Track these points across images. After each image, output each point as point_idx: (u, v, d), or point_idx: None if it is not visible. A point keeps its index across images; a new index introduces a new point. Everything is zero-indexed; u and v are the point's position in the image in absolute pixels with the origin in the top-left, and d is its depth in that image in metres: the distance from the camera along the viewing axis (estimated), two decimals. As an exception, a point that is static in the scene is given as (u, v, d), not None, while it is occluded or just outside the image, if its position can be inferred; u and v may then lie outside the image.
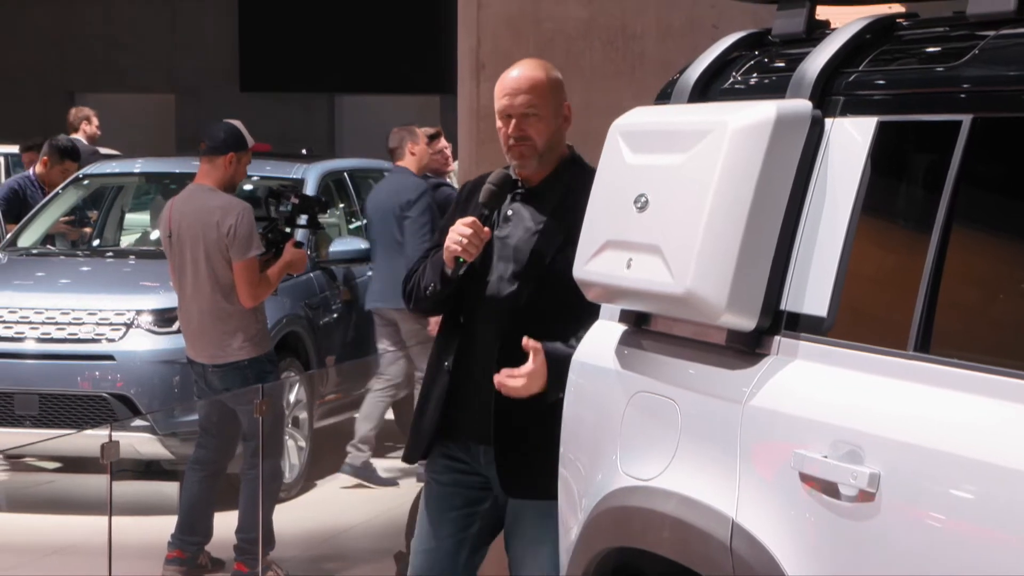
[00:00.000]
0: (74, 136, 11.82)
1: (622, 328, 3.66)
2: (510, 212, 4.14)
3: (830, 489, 2.89)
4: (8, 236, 9.08)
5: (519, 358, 3.97)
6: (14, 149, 13.33)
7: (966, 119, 2.82)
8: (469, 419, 4.15)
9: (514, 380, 3.95)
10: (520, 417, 4.05)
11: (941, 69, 2.98)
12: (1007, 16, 2.88)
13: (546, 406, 3.95)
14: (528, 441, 4.07)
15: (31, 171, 10.27)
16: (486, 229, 4.04)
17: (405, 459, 4.41)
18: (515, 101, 4.09)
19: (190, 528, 6.62)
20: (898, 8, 3.81)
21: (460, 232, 4.02)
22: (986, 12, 2.93)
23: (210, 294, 6.48)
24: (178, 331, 7.71)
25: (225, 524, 6.66)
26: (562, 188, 4.12)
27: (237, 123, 6.74)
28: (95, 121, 12.18)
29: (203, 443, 6.71)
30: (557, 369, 3.87)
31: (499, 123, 4.12)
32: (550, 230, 4.09)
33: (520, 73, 4.12)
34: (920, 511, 2.73)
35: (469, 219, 4.03)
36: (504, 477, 4.10)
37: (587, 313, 3.77)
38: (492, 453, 4.11)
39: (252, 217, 6.51)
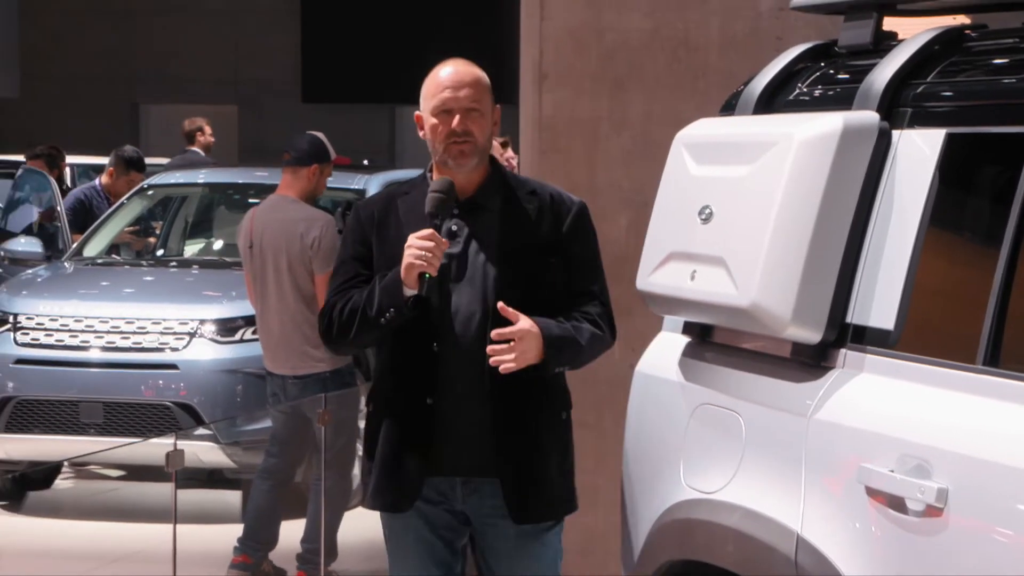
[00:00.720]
0: (189, 148, 11.96)
1: (685, 340, 3.65)
2: (454, 227, 3.75)
3: (897, 504, 2.87)
4: (74, 246, 9.17)
5: (509, 379, 3.65)
6: (82, 160, 13.48)
7: (1036, 131, 2.79)
8: (453, 453, 3.72)
9: (507, 353, 3.59)
10: (521, 442, 3.73)
11: (1011, 80, 2.96)
12: (1078, 27, 2.85)
13: (544, 423, 3.76)
14: (534, 466, 3.74)
15: (97, 181, 10.37)
16: (444, 240, 3.66)
17: (389, 508, 3.81)
18: (459, 94, 3.73)
19: (256, 535, 6.66)
20: (966, 19, 3.78)
21: (420, 246, 3.61)
22: (1057, 23, 2.90)
23: (293, 305, 6.49)
24: (240, 340, 7.76)
25: (292, 532, 6.69)
26: (499, 197, 3.78)
27: (320, 135, 6.76)
28: (208, 131, 12.32)
29: (273, 452, 6.74)
30: (550, 335, 3.64)
31: (433, 120, 3.74)
32: (509, 243, 3.74)
33: (459, 69, 3.78)
34: (988, 527, 2.70)
35: (426, 231, 3.63)
36: (515, 509, 3.72)
37: (573, 309, 3.75)
38: (473, 485, 3.74)
39: (335, 230, 6.52)
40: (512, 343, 3.60)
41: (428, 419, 3.71)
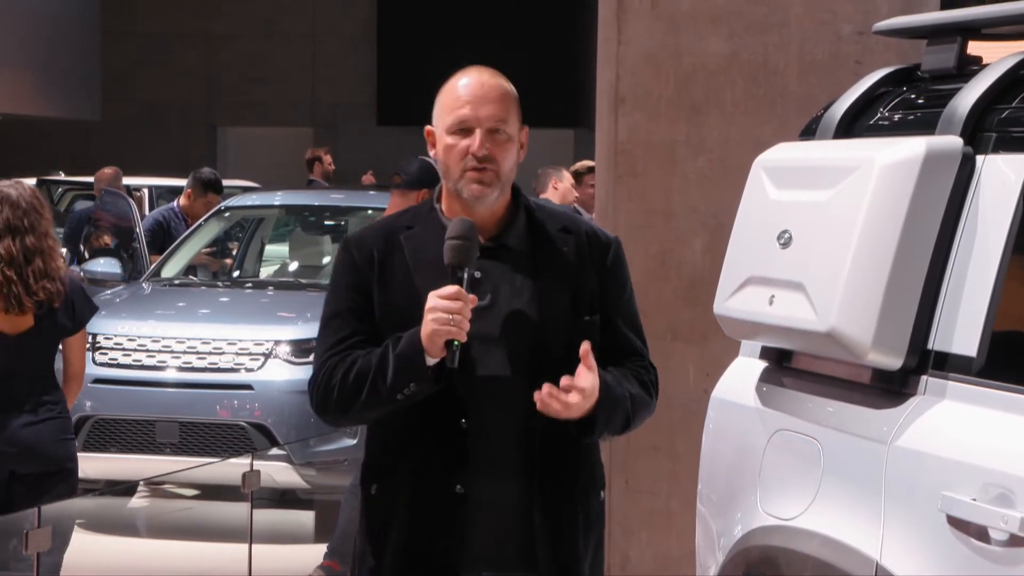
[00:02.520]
0: (311, 177, 12.14)
1: (763, 365, 3.62)
2: (478, 274, 3.09)
3: (979, 533, 2.83)
4: (152, 267, 9.27)
5: (552, 453, 3.12)
6: (160, 181, 13.64)
7: (1124, 156, 2.75)
8: (486, 546, 3.12)
9: (563, 398, 3.01)
10: (563, 535, 3.14)
11: (1098, 105, 2.92)
12: None
13: (586, 508, 3.17)
14: (570, 566, 3.17)
15: (175, 203, 10.49)
16: (472, 297, 3.01)
17: None
18: (481, 112, 3.09)
19: (345, 546, 6.68)
20: (1052, 43, 3.73)
21: (446, 308, 2.97)
22: None
23: None
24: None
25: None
26: (528, 235, 3.17)
27: (432, 160, 6.77)
28: (327, 159, 12.53)
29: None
30: (608, 394, 3.08)
31: (447, 139, 3.11)
32: (545, 292, 3.12)
33: (483, 79, 3.14)
34: (1073, 558, 2.66)
35: (452, 289, 2.99)
36: None
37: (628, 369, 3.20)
38: None
39: None
40: (572, 396, 3.01)
41: (458, 509, 3.07)
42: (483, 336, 3.07)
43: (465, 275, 3.03)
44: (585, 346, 3.02)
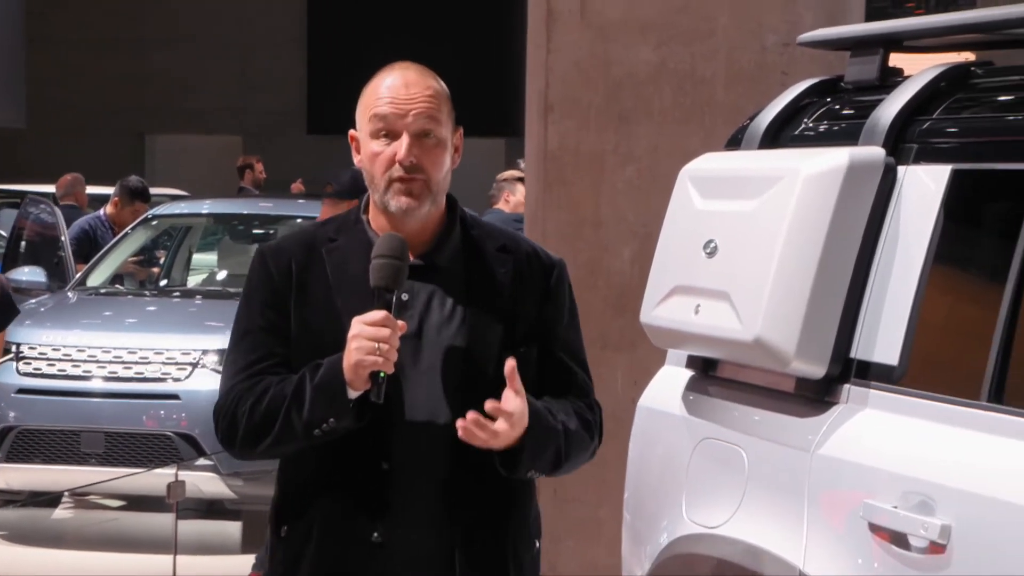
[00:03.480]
0: (242, 185, 12.05)
1: (689, 374, 3.64)
2: (405, 296, 2.75)
3: (900, 540, 2.85)
4: (78, 276, 9.18)
5: (479, 498, 2.79)
6: (87, 190, 13.50)
7: (1042, 167, 2.79)
8: None
9: (489, 426, 2.67)
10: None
11: (1017, 117, 2.96)
12: (1084, 64, 2.86)
13: (519, 559, 2.83)
14: None
15: (102, 212, 10.39)
16: (400, 323, 2.67)
17: None
18: (407, 111, 2.74)
19: None
20: (972, 56, 3.78)
21: (372, 335, 2.63)
22: (1063, 60, 2.91)
23: None
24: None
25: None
26: (462, 254, 2.83)
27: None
28: (258, 167, 12.43)
29: None
30: (538, 425, 2.73)
31: (371, 145, 2.77)
32: (478, 319, 2.78)
33: (409, 77, 2.78)
34: (991, 564, 2.69)
35: (379, 314, 2.64)
36: None
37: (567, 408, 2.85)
38: None
39: None
40: (498, 424, 2.68)
41: (374, 559, 2.75)
42: (408, 368, 2.73)
43: (394, 298, 2.69)
44: (510, 364, 2.67)
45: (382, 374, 2.66)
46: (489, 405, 2.66)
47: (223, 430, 2.79)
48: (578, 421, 2.84)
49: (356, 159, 2.82)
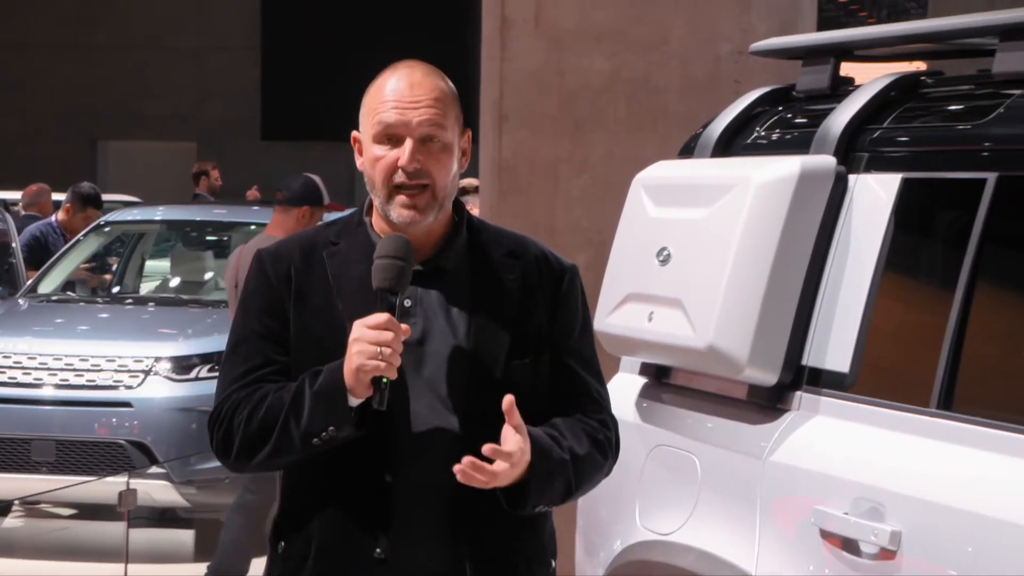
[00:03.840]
0: (197, 192, 11.96)
1: (642, 381, 3.65)
2: (408, 302, 2.62)
3: (851, 546, 2.87)
4: (29, 282, 9.10)
5: (489, 516, 2.61)
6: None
7: (991, 177, 2.82)
8: None
9: (487, 468, 2.50)
10: None
11: (966, 127, 2.99)
12: (1032, 75, 2.89)
13: (527, 572, 2.67)
14: None
15: (54, 218, 10.32)
16: (404, 327, 2.54)
17: None
18: (411, 117, 2.60)
19: (228, 568, 6.61)
20: (922, 66, 3.82)
21: (374, 339, 2.50)
22: (1011, 71, 2.94)
23: None
24: (195, 379, 7.71)
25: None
26: (468, 259, 2.69)
27: (317, 178, 6.74)
28: (214, 174, 12.33)
29: (252, 488, 6.69)
30: (541, 460, 2.57)
31: (374, 150, 2.63)
32: (485, 327, 2.64)
33: (415, 77, 2.64)
34: (941, 569, 2.71)
35: (382, 317, 2.51)
36: None
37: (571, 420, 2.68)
38: None
39: None
40: (498, 466, 2.51)
41: (375, 575, 2.61)
42: (411, 376, 2.59)
43: (397, 301, 2.55)
44: (508, 400, 2.51)
45: (385, 380, 2.51)
46: (487, 449, 2.49)
47: (218, 440, 2.64)
48: (589, 443, 2.65)
49: (358, 162, 2.67)
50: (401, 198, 2.60)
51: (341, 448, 2.57)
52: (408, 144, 2.59)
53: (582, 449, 2.64)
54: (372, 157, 2.63)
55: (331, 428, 2.54)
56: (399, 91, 2.62)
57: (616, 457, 2.73)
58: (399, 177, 2.60)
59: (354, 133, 2.70)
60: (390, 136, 2.61)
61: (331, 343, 2.59)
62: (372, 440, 2.58)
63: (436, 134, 2.61)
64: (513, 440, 2.52)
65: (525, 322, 2.66)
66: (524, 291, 2.68)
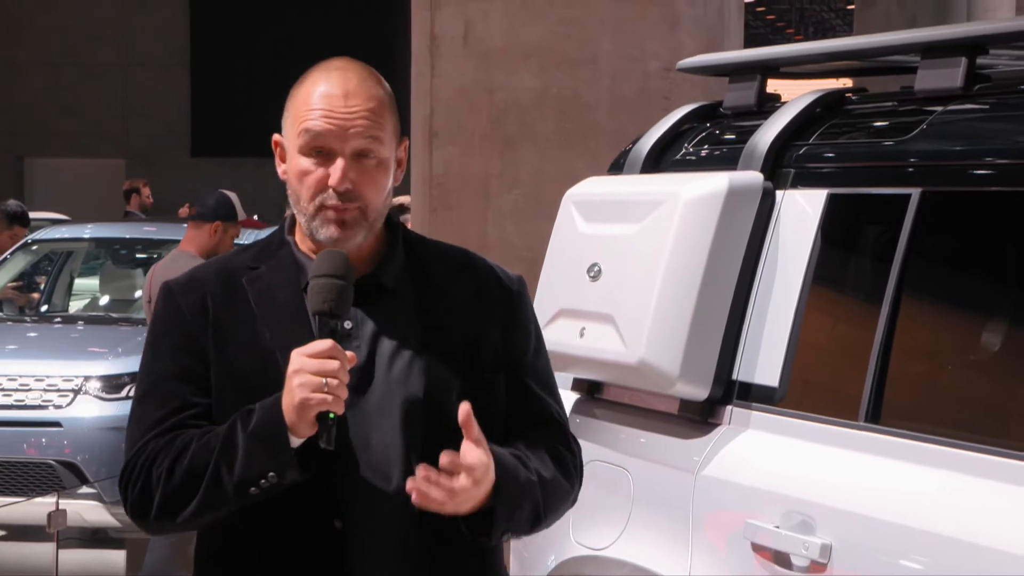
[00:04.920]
0: (128, 209, 11.86)
1: (575, 396, 3.66)
2: (348, 324, 2.34)
3: (782, 559, 2.89)
4: (-45, 301, 9.00)
5: (446, 559, 2.35)
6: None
7: (915, 192, 2.86)
8: None
9: (444, 483, 2.22)
10: None
11: (890, 143, 3.03)
12: (954, 92, 2.93)
13: None
14: None
15: (-22, 237, 10.19)
16: (350, 354, 2.24)
17: None
18: (344, 128, 2.31)
19: None
20: (848, 83, 3.87)
21: (317, 369, 2.20)
22: (933, 88, 2.98)
23: None
24: (126, 397, 7.65)
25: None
26: (409, 277, 2.41)
27: (232, 195, 6.75)
28: (145, 191, 12.22)
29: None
30: (507, 479, 2.30)
31: (299, 162, 2.33)
32: (436, 346, 2.37)
33: (350, 83, 2.33)
34: (872, 581, 2.74)
35: (324, 344, 2.22)
36: None
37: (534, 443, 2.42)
38: None
39: None
40: (456, 479, 2.23)
41: None
42: (357, 406, 2.29)
43: (339, 326, 2.26)
44: (464, 410, 2.23)
45: (332, 415, 2.21)
46: (445, 459, 2.21)
47: (133, 500, 2.30)
48: (554, 466, 2.40)
49: (279, 169, 2.38)
50: (328, 213, 2.31)
51: (281, 495, 2.26)
52: (339, 163, 2.30)
53: (548, 472, 2.38)
54: (298, 169, 2.33)
55: (271, 474, 2.23)
56: (331, 99, 2.31)
57: (581, 482, 2.48)
58: (329, 199, 2.31)
59: (276, 136, 2.39)
60: (319, 149, 2.31)
61: (260, 379, 2.29)
62: (316, 482, 2.26)
63: (372, 148, 2.31)
64: (475, 452, 2.23)
65: (478, 340, 2.39)
66: (476, 305, 2.41)
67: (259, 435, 2.24)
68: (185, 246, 6.65)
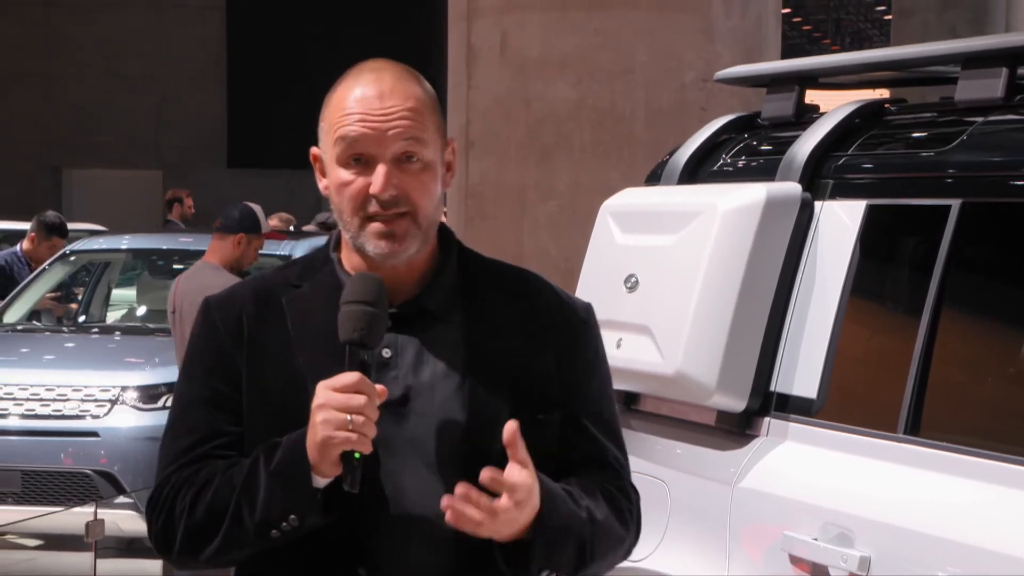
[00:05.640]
0: (170, 219, 11.93)
1: (611, 408, 3.66)
2: (387, 352, 2.15)
3: (820, 572, 2.88)
4: (-6, 312, 9.06)
5: None
6: (3, 225, 13.36)
7: (955, 203, 2.85)
8: None
9: (484, 502, 2.03)
10: None
11: (930, 154, 3.01)
12: (994, 103, 2.92)
13: None
14: None
15: (18, 247, 10.27)
16: (380, 388, 2.05)
17: None
18: (383, 132, 2.12)
19: None
20: (886, 93, 3.85)
21: (342, 405, 2.02)
22: (974, 98, 2.97)
23: None
24: (163, 407, 7.68)
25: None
26: (459, 300, 2.20)
27: (255, 207, 6.80)
28: (188, 201, 12.31)
29: None
30: (552, 508, 2.09)
31: (339, 174, 2.15)
32: (482, 381, 2.15)
33: (385, 84, 2.15)
34: (911, 594, 2.72)
35: (351, 378, 2.03)
36: None
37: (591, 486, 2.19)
38: None
39: None
40: (499, 501, 2.03)
41: None
42: (391, 445, 2.10)
43: (370, 357, 2.07)
44: (511, 430, 2.04)
45: (357, 455, 2.04)
46: (486, 475, 2.02)
47: (157, 532, 2.18)
48: (608, 509, 2.18)
49: (320, 184, 2.20)
50: (376, 226, 2.12)
51: (304, 538, 2.10)
52: (381, 168, 2.11)
53: (600, 513, 2.16)
54: (338, 181, 2.15)
55: (292, 516, 2.07)
56: (367, 102, 2.13)
57: (638, 535, 2.25)
58: (372, 207, 2.12)
59: (313, 150, 2.22)
60: (357, 157, 2.13)
61: (292, 408, 2.11)
62: (341, 526, 2.09)
63: (414, 151, 2.12)
64: (518, 473, 2.04)
65: (532, 373, 2.17)
66: (531, 334, 2.18)
67: (281, 474, 2.08)
68: (209, 257, 6.70)
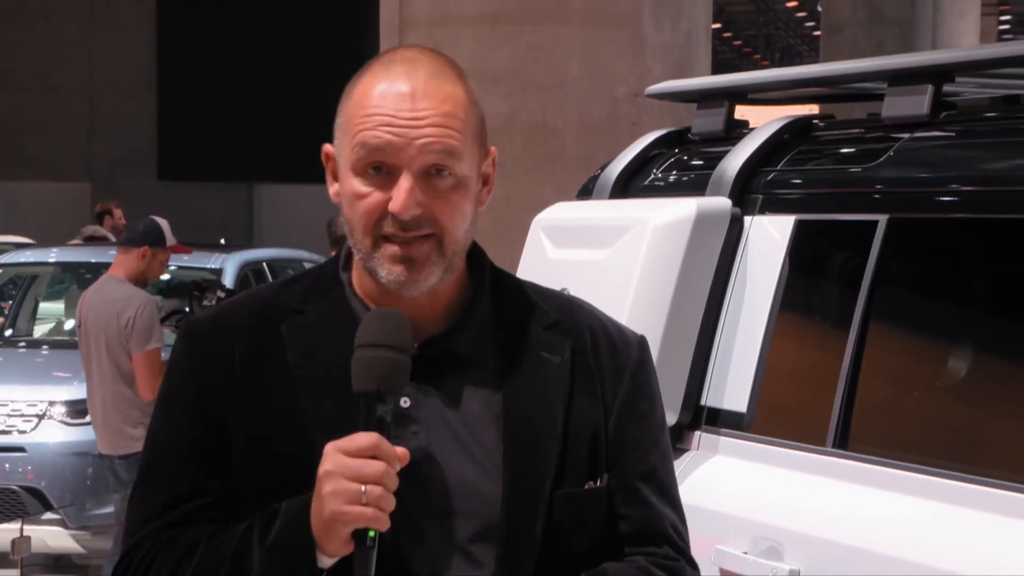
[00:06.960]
0: (96, 228, 11.81)
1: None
2: (406, 402, 1.77)
3: (751, 585, 2.89)
4: (-82, 325, 8.94)
5: None
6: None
7: (882, 219, 2.87)
8: None
9: None
10: None
11: (857, 170, 3.04)
12: (921, 119, 2.95)
13: None
14: None
15: (-57, 260, 10.13)
16: (401, 451, 1.67)
17: None
18: (410, 139, 1.74)
19: None
20: (815, 109, 3.88)
21: (358, 474, 1.65)
22: (900, 115, 3.00)
23: (112, 384, 6.47)
24: (90, 423, 7.62)
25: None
26: (492, 338, 1.83)
27: (161, 220, 6.79)
28: (117, 213, 12.18)
29: (120, 536, 6.61)
30: None
31: (353, 182, 1.76)
32: (518, 437, 1.78)
33: (419, 78, 1.76)
34: (840, 607, 2.73)
35: (366, 439, 1.66)
36: None
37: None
38: None
39: (153, 310, 6.52)
40: None
41: None
42: (409, 513, 1.73)
43: (389, 411, 1.69)
44: None
45: (372, 533, 1.66)
46: None
47: None
48: None
49: (331, 189, 1.82)
50: (391, 249, 1.75)
51: None
52: (404, 182, 1.73)
53: None
54: (352, 191, 1.76)
55: None
56: (394, 100, 1.74)
57: None
58: (389, 226, 1.74)
59: (326, 147, 1.83)
60: (377, 166, 1.74)
61: (291, 463, 1.75)
62: None
63: (446, 164, 1.74)
64: None
65: (580, 433, 1.80)
66: (579, 385, 1.82)
67: (279, 552, 1.71)
68: (114, 271, 6.70)
